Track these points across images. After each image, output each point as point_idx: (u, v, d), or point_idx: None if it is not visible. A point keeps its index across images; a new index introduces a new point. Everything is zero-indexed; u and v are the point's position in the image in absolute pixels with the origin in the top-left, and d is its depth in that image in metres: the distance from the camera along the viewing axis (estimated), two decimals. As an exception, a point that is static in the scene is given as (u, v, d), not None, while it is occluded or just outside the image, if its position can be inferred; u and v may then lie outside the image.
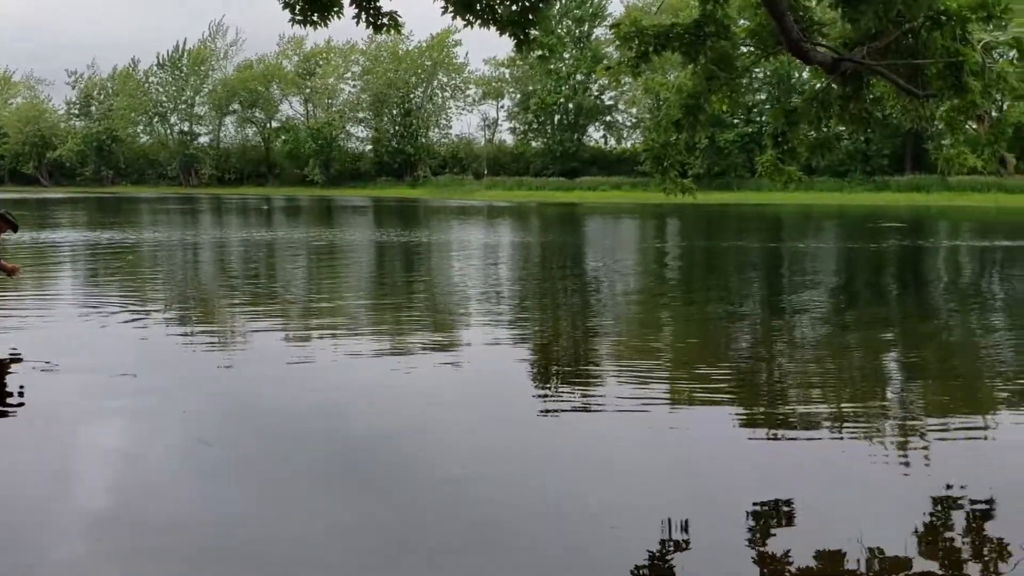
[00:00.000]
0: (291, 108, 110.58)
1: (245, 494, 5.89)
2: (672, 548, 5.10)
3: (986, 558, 5.07)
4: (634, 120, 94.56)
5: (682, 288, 18.18)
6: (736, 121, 78.48)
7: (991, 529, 5.46)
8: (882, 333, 12.69)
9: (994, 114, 8.16)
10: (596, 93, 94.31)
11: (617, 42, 9.69)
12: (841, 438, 7.35)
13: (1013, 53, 7.63)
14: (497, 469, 6.48)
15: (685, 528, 5.35)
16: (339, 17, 8.94)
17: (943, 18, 7.84)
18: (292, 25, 9.02)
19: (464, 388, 8.98)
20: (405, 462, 6.59)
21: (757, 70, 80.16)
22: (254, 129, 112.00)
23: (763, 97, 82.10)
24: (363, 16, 8.97)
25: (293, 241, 29.30)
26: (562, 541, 5.18)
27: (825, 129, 9.18)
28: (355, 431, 7.41)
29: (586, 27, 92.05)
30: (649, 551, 5.02)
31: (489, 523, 5.47)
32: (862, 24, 7.78)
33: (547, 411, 8.18)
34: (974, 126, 8.02)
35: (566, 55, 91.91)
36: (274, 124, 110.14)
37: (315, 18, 8.82)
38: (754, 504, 5.73)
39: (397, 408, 8.07)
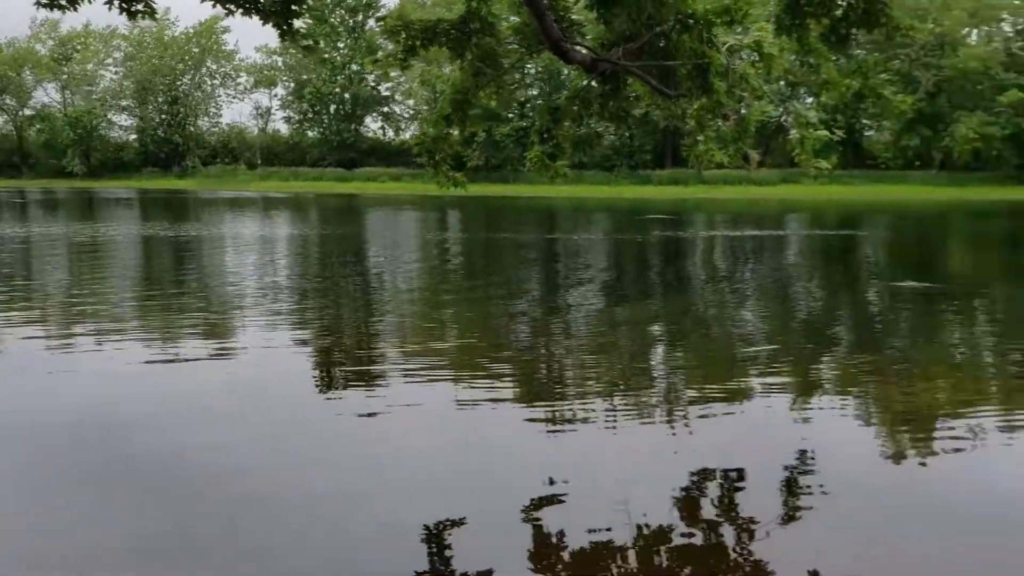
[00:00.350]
0: (47, 95, 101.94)
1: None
2: (450, 534, 5.15)
3: (739, 523, 5.47)
4: (412, 111, 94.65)
5: (464, 283, 18.35)
6: (511, 116, 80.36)
7: (743, 498, 5.91)
8: (650, 321, 13.43)
9: (741, 111, 8.81)
10: (373, 83, 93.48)
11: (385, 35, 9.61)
12: (615, 425, 7.66)
13: (754, 55, 8.27)
14: (270, 473, 6.27)
15: (460, 523, 5.41)
16: (90, 1, 8.28)
17: (691, 21, 8.37)
18: (38, 9, 8.32)
19: (238, 395, 8.59)
20: (179, 472, 6.23)
21: (529, 66, 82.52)
22: (4, 117, 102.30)
23: (535, 93, 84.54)
24: (115, 1, 8.35)
25: (52, 237, 27.00)
26: (338, 544, 5.09)
27: (587, 126, 9.56)
28: (122, 446, 6.91)
29: (360, 17, 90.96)
30: (428, 537, 5.05)
31: (255, 523, 5.29)
32: (616, 26, 8.17)
33: (331, 414, 8.00)
34: (721, 124, 8.62)
35: (340, 44, 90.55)
36: (27, 112, 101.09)
37: (63, 2, 8.14)
38: (531, 489, 5.89)
39: (165, 420, 7.60)
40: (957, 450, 6.92)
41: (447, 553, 5.06)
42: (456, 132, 9.67)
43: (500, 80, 9.01)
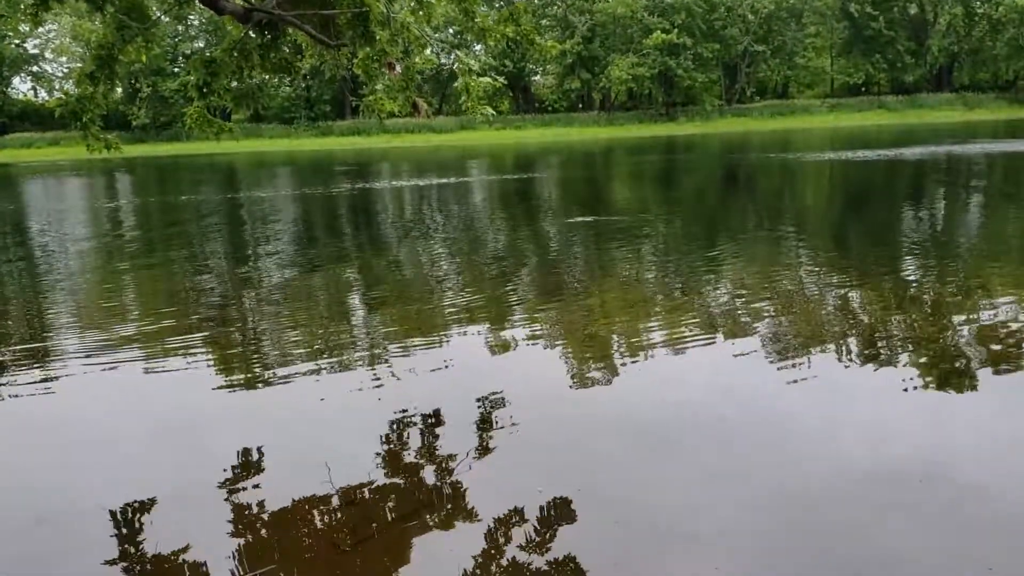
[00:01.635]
0: None
1: None
2: (144, 513, 4.82)
3: (439, 462, 5.61)
4: (66, 71, 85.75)
5: (143, 255, 17.00)
6: (177, 70, 75.50)
7: (442, 440, 6.07)
8: (347, 275, 13.30)
9: (404, 61, 8.81)
10: (18, 41, 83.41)
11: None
12: (316, 379, 7.52)
13: (413, 3, 8.29)
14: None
15: (153, 500, 5.07)
16: None
17: (348, -31, 8.17)
18: None
19: None
20: None
21: (192, 16, 77.51)
22: None
23: (201, 45, 79.88)
24: None
25: None
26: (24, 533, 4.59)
27: (249, 79, 9.13)
28: None
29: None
30: (119, 517, 4.69)
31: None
32: (271, -27, 7.82)
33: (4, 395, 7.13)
34: (387, 73, 8.59)
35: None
36: None
37: None
38: (228, 459, 5.66)
39: None
40: (633, 366, 7.57)
41: (140, 534, 4.73)
42: (103, 91, 8.82)
43: (149, 33, 8.29)
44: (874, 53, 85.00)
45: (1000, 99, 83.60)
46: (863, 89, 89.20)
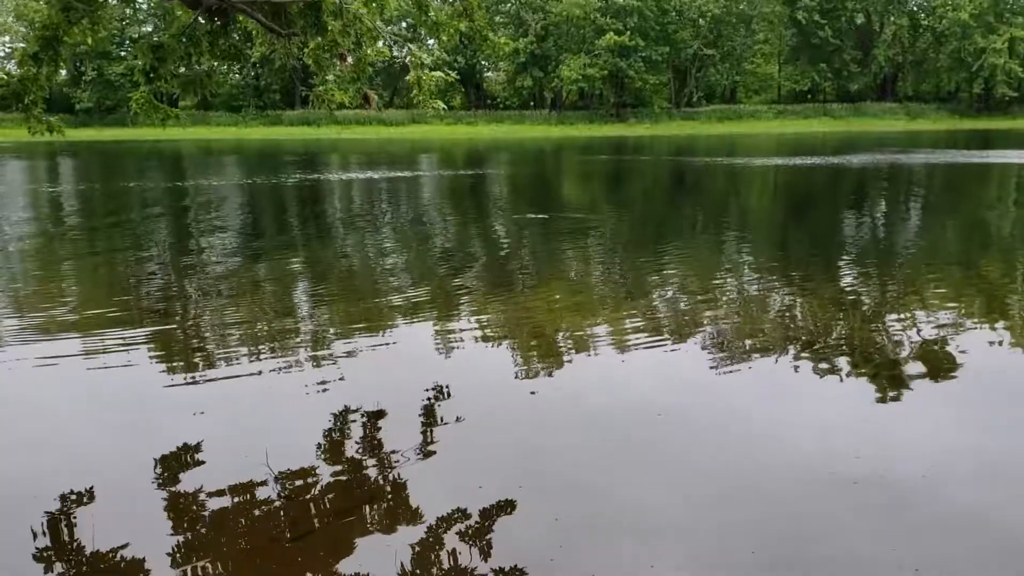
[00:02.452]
0: None
1: None
2: (79, 506, 4.72)
3: (381, 457, 5.59)
4: (8, 50, 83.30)
5: (85, 243, 16.59)
6: (124, 54, 74.00)
7: (384, 433, 6.04)
8: (293, 267, 13.16)
9: (356, 52, 8.71)
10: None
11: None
12: (259, 372, 7.43)
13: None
14: None
15: (89, 493, 4.98)
16: None
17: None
18: None
19: None
20: None
21: (140, 1, 76.05)
22: None
23: (149, 29, 78.32)
24: None
25: None
26: None
27: (197, 65, 8.97)
28: None
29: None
30: (52, 512, 4.59)
31: None
32: (223, -41, 7.67)
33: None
34: (338, 64, 8.51)
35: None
36: None
37: None
38: (165, 453, 5.57)
39: None
40: (579, 362, 7.62)
41: (75, 527, 4.64)
42: (46, 72, 8.59)
43: (96, 15, 8.10)
44: (820, 61, 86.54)
45: (942, 110, 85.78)
46: (809, 96, 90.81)
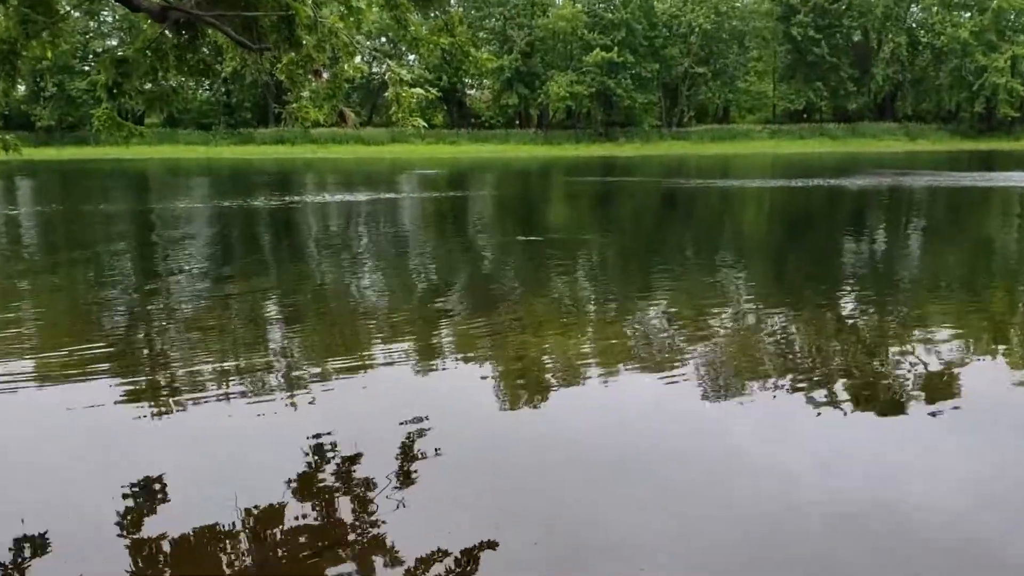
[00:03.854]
0: None
1: None
2: (34, 542, 4.65)
3: (356, 493, 5.54)
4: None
5: (44, 269, 16.46)
6: (87, 68, 73.93)
7: (359, 468, 6.00)
8: (267, 300, 13.12)
9: (332, 69, 8.72)
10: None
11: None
12: (228, 400, 7.39)
13: (343, 8, 8.22)
14: None
15: (48, 530, 4.91)
16: None
17: (273, -32, 8.08)
18: None
19: None
20: None
21: (105, 13, 76.08)
22: None
23: (114, 43, 78.36)
24: None
25: None
26: None
27: (163, 81, 8.97)
28: None
29: None
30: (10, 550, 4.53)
31: None
32: (190, -30, 7.69)
33: None
34: (313, 80, 8.53)
35: None
36: None
37: None
38: (129, 484, 5.52)
39: None
40: (561, 390, 7.61)
41: (34, 560, 4.58)
42: (3, 88, 8.55)
43: (56, 29, 8.09)
44: (816, 79, 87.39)
45: (942, 130, 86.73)
46: (805, 116, 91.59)
